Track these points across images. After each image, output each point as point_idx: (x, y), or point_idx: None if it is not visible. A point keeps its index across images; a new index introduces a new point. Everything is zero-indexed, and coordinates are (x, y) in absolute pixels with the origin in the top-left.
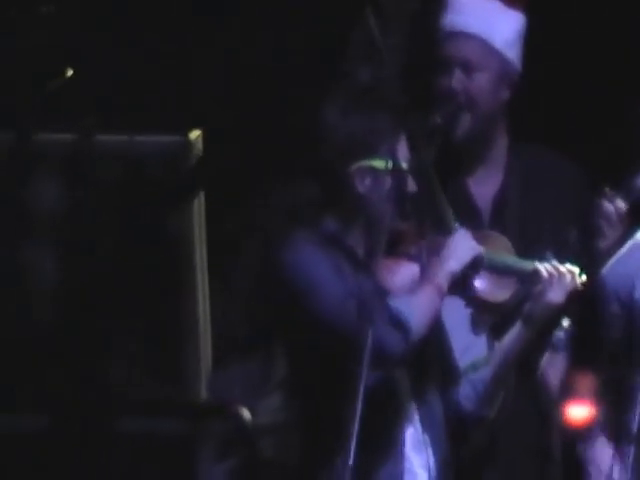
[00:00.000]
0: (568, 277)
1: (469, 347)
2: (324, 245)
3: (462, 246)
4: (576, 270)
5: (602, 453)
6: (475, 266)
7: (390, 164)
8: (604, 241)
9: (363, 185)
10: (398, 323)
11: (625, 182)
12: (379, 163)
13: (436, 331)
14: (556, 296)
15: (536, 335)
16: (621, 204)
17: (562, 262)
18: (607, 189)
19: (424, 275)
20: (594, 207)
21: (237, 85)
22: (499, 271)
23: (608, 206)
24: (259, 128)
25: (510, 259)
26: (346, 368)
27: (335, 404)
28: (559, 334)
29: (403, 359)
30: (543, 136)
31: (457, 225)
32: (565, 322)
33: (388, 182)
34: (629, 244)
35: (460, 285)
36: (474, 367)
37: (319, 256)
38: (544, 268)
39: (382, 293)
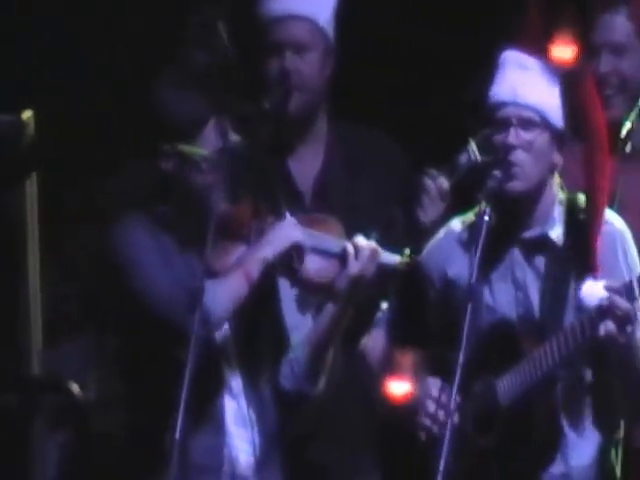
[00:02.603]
0: (367, 251)
1: (297, 326)
2: (155, 229)
3: (280, 234)
4: (376, 245)
5: None
6: (294, 254)
7: (198, 150)
8: (426, 217)
9: (167, 166)
10: (185, 302)
11: (448, 161)
12: (188, 148)
13: (270, 312)
14: (356, 269)
15: (350, 311)
16: (443, 182)
17: (387, 240)
18: (430, 169)
19: (237, 259)
20: (417, 185)
21: (73, 68)
22: (320, 253)
23: (430, 184)
24: (96, 110)
25: (328, 240)
26: (170, 346)
27: (161, 379)
28: (378, 314)
29: (205, 340)
30: (364, 116)
31: (286, 212)
32: (383, 303)
33: (203, 167)
34: (443, 230)
35: (285, 268)
36: (294, 347)
37: (148, 241)
38: (349, 244)
39: (211, 276)
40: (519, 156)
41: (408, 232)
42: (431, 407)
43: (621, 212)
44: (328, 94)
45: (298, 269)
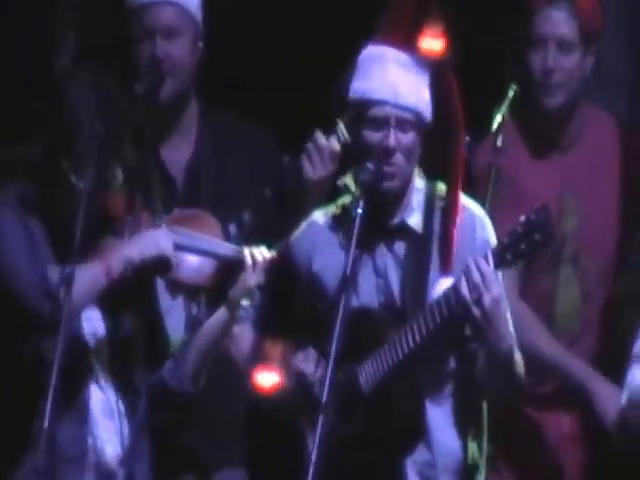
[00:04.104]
0: (263, 263)
1: (169, 310)
2: (24, 213)
3: (150, 241)
4: (268, 252)
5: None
6: (162, 264)
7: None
8: (314, 174)
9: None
10: (47, 290)
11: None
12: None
13: (146, 309)
14: (255, 280)
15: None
16: (334, 144)
17: (258, 222)
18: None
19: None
20: (309, 141)
21: None
22: (199, 254)
23: (324, 141)
24: None
25: (213, 243)
26: (35, 334)
27: (28, 367)
28: (243, 310)
29: (51, 326)
30: (233, 102)
31: (161, 221)
32: (246, 301)
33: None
34: (306, 223)
35: (157, 269)
36: (181, 344)
37: (14, 225)
38: (246, 254)
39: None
40: (397, 157)
41: (279, 215)
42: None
43: (494, 204)
44: (198, 81)
45: (168, 273)
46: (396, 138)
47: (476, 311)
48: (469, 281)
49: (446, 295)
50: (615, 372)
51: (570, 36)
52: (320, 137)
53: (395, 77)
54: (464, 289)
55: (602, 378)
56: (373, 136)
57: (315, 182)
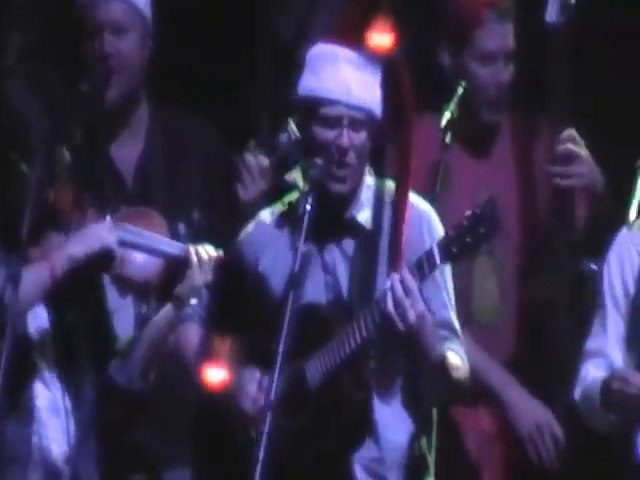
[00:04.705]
0: (209, 260)
1: (117, 310)
2: None
3: (92, 235)
4: (214, 251)
5: None
6: (106, 258)
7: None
8: (247, 195)
9: None
10: None
11: (268, 140)
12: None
13: (93, 307)
14: (202, 278)
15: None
16: (264, 160)
17: (210, 221)
18: (252, 142)
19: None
20: (238, 161)
21: None
22: (146, 252)
23: (252, 160)
24: None
25: (159, 240)
26: None
27: None
28: (187, 309)
29: (17, 329)
30: (185, 101)
31: (108, 209)
32: (193, 300)
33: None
34: (253, 223)
35: (102, 265)
36: (129, 341)
37: None
38: (192, 253)
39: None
40: (350, 157)
41: (230, 214)
42: (248, 403)
43: (444, 199)
44: (148, 78)
45: (114, 269)
46: (349, 138)
47: (401, 326)
48: (393, 296)
49: (384, 294)
50: (535, 370)
51: (513, 48)
52: (248, 157)
53: (347, 76)
54: (389, 304)
55: (517, 387)
56: (325, 134)
57: (250, 201)
